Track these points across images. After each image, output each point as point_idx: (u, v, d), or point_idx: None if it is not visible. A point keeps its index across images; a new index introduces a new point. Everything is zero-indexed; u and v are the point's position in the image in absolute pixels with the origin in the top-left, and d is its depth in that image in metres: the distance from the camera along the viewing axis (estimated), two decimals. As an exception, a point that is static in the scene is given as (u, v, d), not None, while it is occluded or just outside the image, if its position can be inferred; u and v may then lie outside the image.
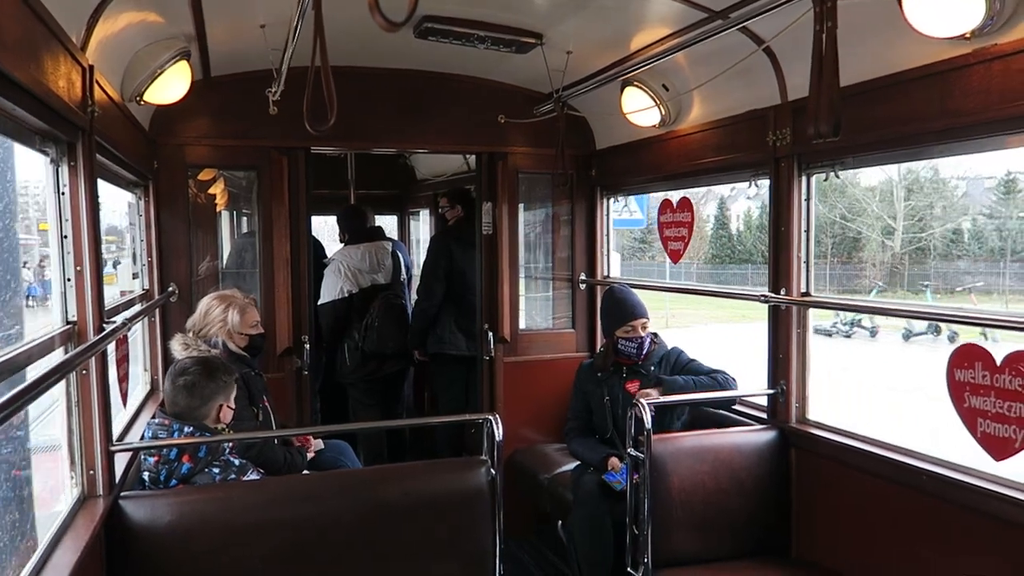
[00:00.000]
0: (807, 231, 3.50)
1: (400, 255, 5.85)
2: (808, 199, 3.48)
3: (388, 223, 7.73)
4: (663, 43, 3.46)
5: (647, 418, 3.26)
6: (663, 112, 4.09)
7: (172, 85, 3.53)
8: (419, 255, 7.63)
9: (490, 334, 4.94)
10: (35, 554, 2.12)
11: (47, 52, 2.16)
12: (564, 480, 4.34)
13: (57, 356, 2.34)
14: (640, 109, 4.15)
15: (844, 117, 2.07)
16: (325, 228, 7.68)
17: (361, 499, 2.91)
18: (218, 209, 5.07)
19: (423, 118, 4.75)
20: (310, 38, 2.00)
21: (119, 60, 3.21)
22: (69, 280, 2.51)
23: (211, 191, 5.06)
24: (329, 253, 6.08)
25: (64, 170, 2.50)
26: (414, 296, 5.86)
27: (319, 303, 5.21)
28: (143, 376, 4.11)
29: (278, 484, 3.09)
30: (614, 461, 3.81)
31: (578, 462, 4.21)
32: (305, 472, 3.65)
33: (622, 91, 4.15)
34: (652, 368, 4.03)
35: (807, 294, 3.51)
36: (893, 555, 2.99)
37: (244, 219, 6.75)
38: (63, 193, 2.51)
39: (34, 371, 2.04)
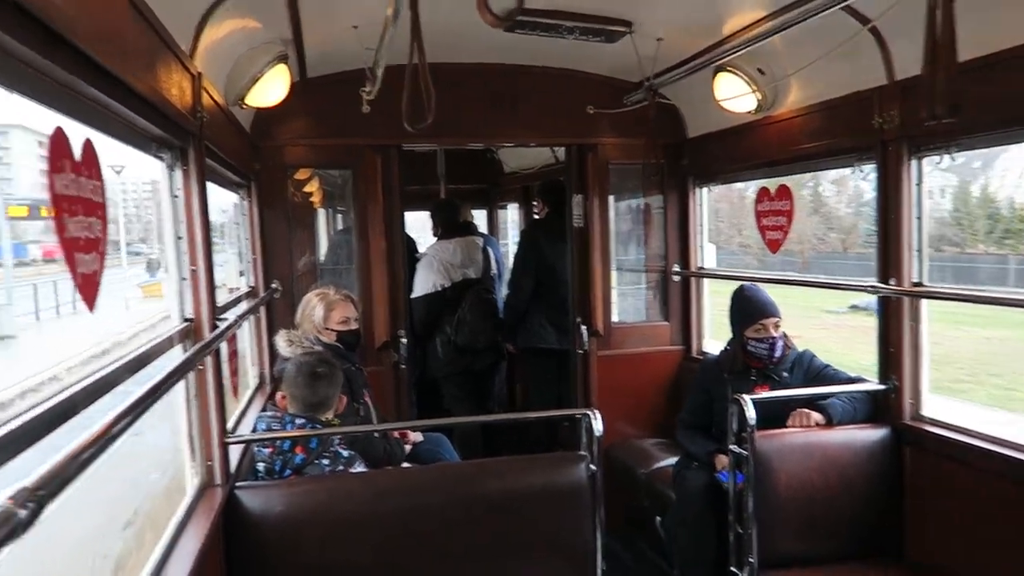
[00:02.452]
0: (919, 218, 3.32)
1: (491, 250, 5.88)
2: (919, 183, 3.30)
3: (477, 217, 7.78)
4: (758, 26, 3.34)
5: (750, 413, 3.16)
6: (759, 97, 3.95)
7: (272, 88, 3.65)
8: (508, 248, 7.67)
9: (583, 328, 4.91)
10: (164, 537, 2.23)
11: (161, 62, 2.26)
12: (663, 476, 4.27)
13: (176, 352, 2.46)
14: (735, 96, 4.02)
15: (961, 96, 1.94)
16: (417, 223, 7.80)
17: (462, 493, 2.94)
18: (315, 207, 5.23)
19: (511, 112, 4.75)
20: (402, 37, 2.02)
21: (222, 66, 3.33)
22: (184, 279, 2.62)
23: (307, 189, 5.21)
24: (421, 248, 6.18)
25: (177, 175, 2.61)
26: (505, 290, 5.89)
27: (411, 297, 5.29)
28: (251, 370, 4.28)
29: (383, 477, 3.16)
30: (722, 459, 3.65)
31: (678, 457, 4.13)
32: (405, 465, 3.72)
33: (715, 77, 4.03)
34: (785, 373, 3.76)
35: (919, 284, 3.33)
36: (1016, 559, 2.80)
37: (339, 216, 6.94)
38: (176, 196, 2.62)
39: (151, 368, 2.14)
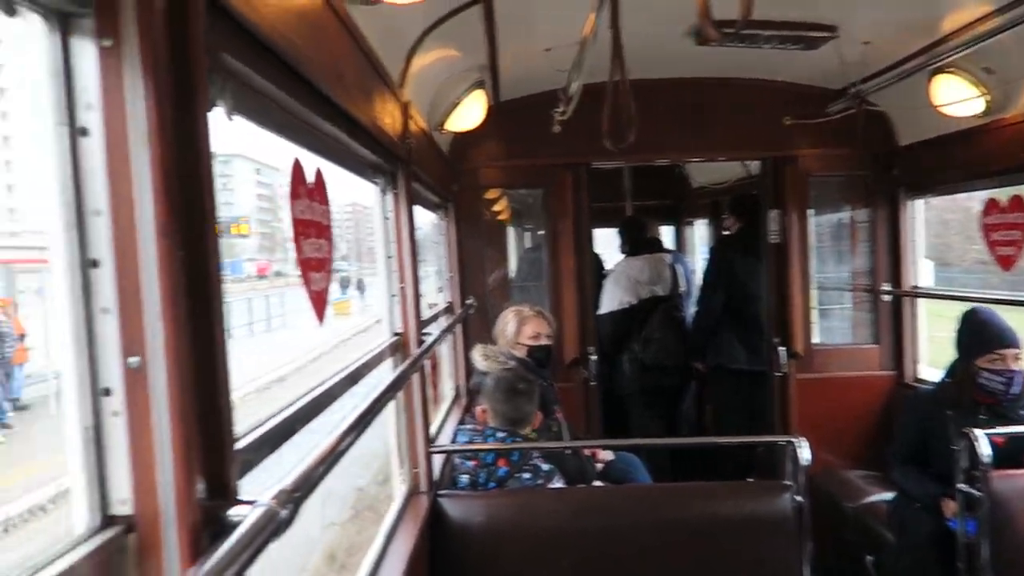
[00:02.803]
0: None
1: (679, 267, 5.76)
2: None
3: (663, 233, 7.67)
4: (984, 23, 3.01)
5: (984, 450, 2.83)
6: (988, 100, 3.56)
7: (470, 113, 3.82)
8: (696, 265, 7.48)
9: (780, 349, 4.66)
10: (378, 538, 2.38)
11: (377, 93, 2.43)
12: (875, 512, 3.93)
13: (387, 366, 2.62)
14: (957, 100, 3.66)
15: None
16: (602, 240, 7.82)
17: (661, 516, 2.88)
18: (505, 225, 5.38)
19: (702, 126, 4.63)
20: (595, 57, 2.02)
21: (425, 93, 3.52)
22: (394, 296, 2.79)
23: (497, 208, 5.38)
24: (608, 266, 6.17)
25: (389, 198, 2.80)
26: (693, 308, 5.74)
27: (597, 313, 5.29)
28: (447, 383, 4.46)
29: (582, 494, 3.17)
30: (951, 505, 3.21)
31: (894, 494, 3.78)
32: (597, 483, 3.70)
33: (931, 80, 3.69)
34: (1023, 412, 3.31)
35: None
36: None
37: (527, 234, 7.10)
38: (387, 218, 2.80)
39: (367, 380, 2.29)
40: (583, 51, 2.88)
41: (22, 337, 14.35)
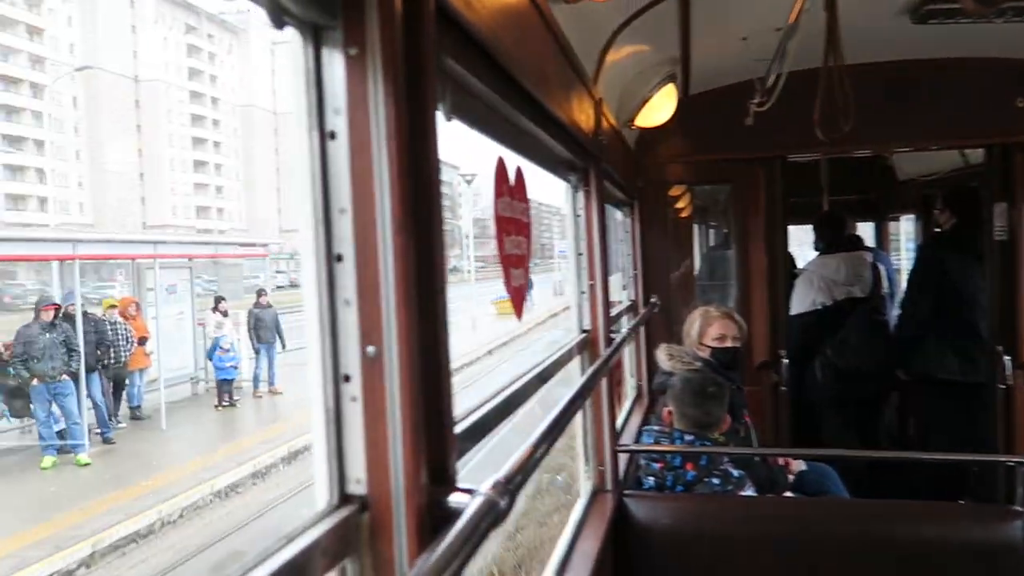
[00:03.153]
0: None
1: (882, 266, 5.33)
2: None
3: (862, 230, 7.13)
4: None
5: None
6: None
7: (660, 108, 3.74)
8: (900, 265, 6.90)
9: (1006, 358, 4.18)
10: (566, 533, 2.40)
11: (574, 90, 2.43)
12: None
13: (575, 364, 2.63)
14: None
15: None
16: (793, 238, 7.40)
17: (858, 532, 2.68)
18: (689, 222, 5.24)
19: (913, 112, 4.24)
20: (800, 43, 1.90)
21: (615, 89, 3.49)
22: (583, 293, 2.79)
23: (680, 205, 5.25)
24: (800, 264, 5.84)
25: (580, 196, 2.80)
26: (897, 311, 5.29)
27: (790, 314, 5.01)
28: (629, 381, 4.42)
29: (775, 504, 3.03)
30: None
31: None
32: (788, 494, 3.52)
33: None
34: None
35: None
36: None
37: (711, 231, 6.88)
38: (579, 216, 2.81)
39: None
40: (788, 37, 2.73)
41: (143, 340, 13.46)
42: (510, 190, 1.88)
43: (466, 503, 1.01)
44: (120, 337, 12.84)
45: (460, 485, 1.09)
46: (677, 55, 3.65)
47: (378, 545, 0.98)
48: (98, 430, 12.09)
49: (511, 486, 1.06)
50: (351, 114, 0.94)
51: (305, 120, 0.94)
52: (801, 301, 5.29)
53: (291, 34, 0.93)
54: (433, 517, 1.01)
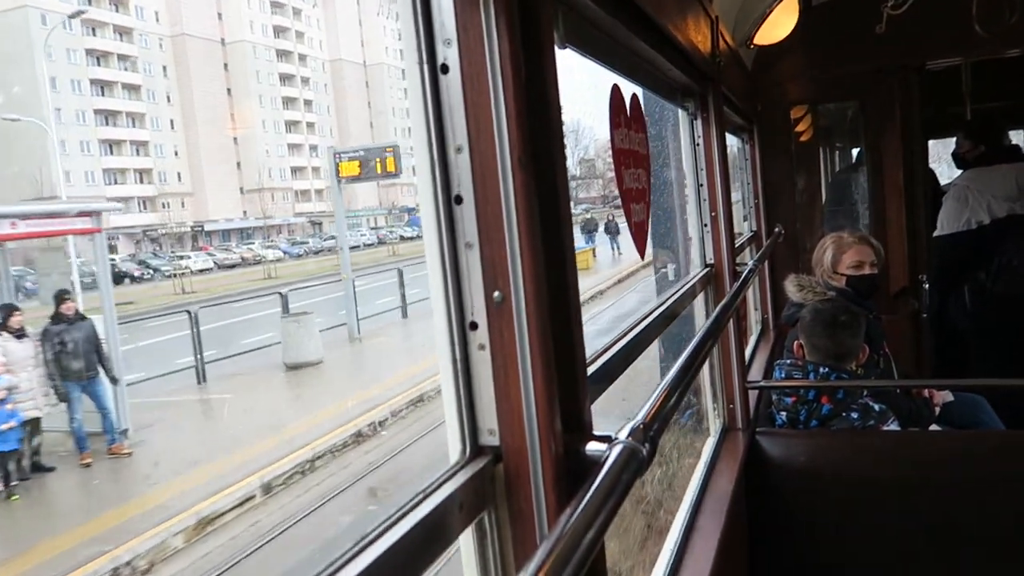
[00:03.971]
0: None
1: None
2: None
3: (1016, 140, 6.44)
4: None
5: None
6: None
7: (780, 23, 3.46)
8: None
9: None
10: (697, 473, 2.33)
11: (690, 10, 2.26)
12: None
13: (699, 300, 2.52)
14: None
15: None
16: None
17: (1020, 468, 2.47)
18: (813, 144, 4.90)
19: None
20: None
21: (732, 6, 3.25)
22: (706, 226, 2.66)
23: (802, 127, 4.91)
24: (943, 182, 5.37)
25: (699, 123, 2.64)
26: None
27: (935, 235, 4.62)
28: (753, 315, 4.24)
29: (921, 439, 2.84)
30: None
31: None
32: (935, 428, 3.29)
33: None
34: None
35: None
36: None
37: (836, 152, 6.44)
38: (698, 144, 2.65)
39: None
40: None
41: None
42: (627, 121, 1.78)
43: (603, 452, 0.96)
44: None
45: (596, 433, 1.04)
46: None
47: (514, 497, 0.95)
48: None
49: (651, 432, 1.00)
50: (463, 44, 0.87)
51: (414, 54, 0.88)
52: (952, 220, 4.83)
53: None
54: (570, 467, 0.97)
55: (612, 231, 32.23)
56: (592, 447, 1.00)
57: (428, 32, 0.88)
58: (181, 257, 53.61)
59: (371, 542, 0.75)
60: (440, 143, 0.90)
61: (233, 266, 52.72)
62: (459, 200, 0.91)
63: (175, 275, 41.59)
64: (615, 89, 1.72)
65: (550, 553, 0.71)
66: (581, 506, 0.79)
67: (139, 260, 53.72)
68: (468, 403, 0.95)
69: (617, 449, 0.93)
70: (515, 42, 0.88)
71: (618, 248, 31.13)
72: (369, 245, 62.22)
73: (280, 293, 16.79)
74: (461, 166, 0.90)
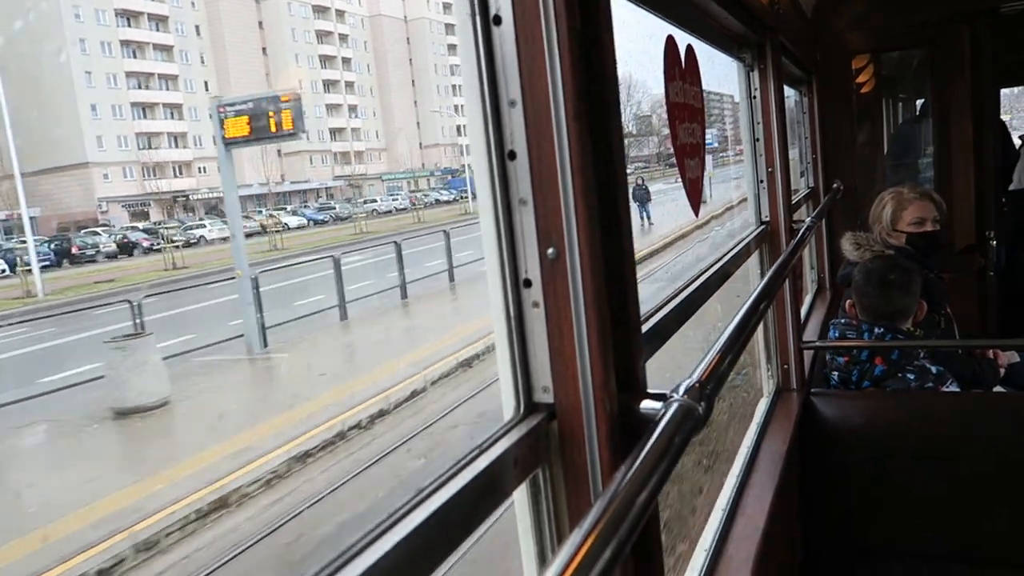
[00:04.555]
0: None
1: None
2: None
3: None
4: None
5: None
6: None
7: (843, -34, 3.32)
8: None
9: None
10: (750, 433, 2.31)
11: None
12: None
13: (754, 259, 2.46)
14: None
15: None
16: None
17: None
18: (874, 96, 4.72)
19: None
20: None
21: None
22: (762, 182, 2.59)
23: (863, 77, 4.72)
24: (1015, 135, 5.14)
25: (755, 75, 2.55)
26: None
27: (1010, 189, 4.43)
28: (808, 274, 4.15)
29: (985, 400, 2.75)
30: None
31: None
32: (1000, 389, 3.19)
33: None
34: None
35: None
36: None
37: (899, 104, 6.20)
38: (754, 97, 2.57)
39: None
40: None
41: None
42: (681, 73, 1.73)
43: (659, 409, 0.95)
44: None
45: (650, 391, 1.03)
46: None
47: (569, 454, 0.95)
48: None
49: (706, 391, 0.98)
50: None
51: (466, 5, 0.86)
52: None
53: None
54: (625, 425, 0.96)
55: (640, 198, 27.17)
56: (646, 405, 0.99)
57: None
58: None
59: (431, 494, 0.76)
60: (493, 97, 0.89)
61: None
62: (512, 156, 0.90)
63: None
64: (669, 40, 1.67)
65: (604, 511, 0.71)
66: (636, 464, 0.79)
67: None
68: (523, 361, 0.95)
69: (673, 407, 0.92)
70: None
71: (648, 217, 27.52)
72: (402, 210, 60.04)
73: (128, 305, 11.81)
74: (515, 121, 0.88)
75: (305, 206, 66.90)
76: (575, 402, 0.93)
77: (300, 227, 51.59)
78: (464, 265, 18.56)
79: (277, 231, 43.48)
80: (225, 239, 41.23)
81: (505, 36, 0.86)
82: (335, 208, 63.25)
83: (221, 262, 28.15)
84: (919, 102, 5.43)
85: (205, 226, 49.29)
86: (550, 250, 0.90)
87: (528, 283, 0.92)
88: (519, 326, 0.94)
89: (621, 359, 0.97)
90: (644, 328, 1.25)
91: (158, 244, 42.02)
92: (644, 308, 1.20)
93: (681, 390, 0.96)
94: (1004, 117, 5.68)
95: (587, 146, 0.89)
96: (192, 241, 44.47)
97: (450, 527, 0.76)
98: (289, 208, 63.52)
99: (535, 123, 0.87)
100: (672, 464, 0.83)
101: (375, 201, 66.62)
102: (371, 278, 17.50)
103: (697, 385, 0.98)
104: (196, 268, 29.88)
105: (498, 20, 0.86)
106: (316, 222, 56.43)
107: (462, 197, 64.39)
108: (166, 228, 48.08)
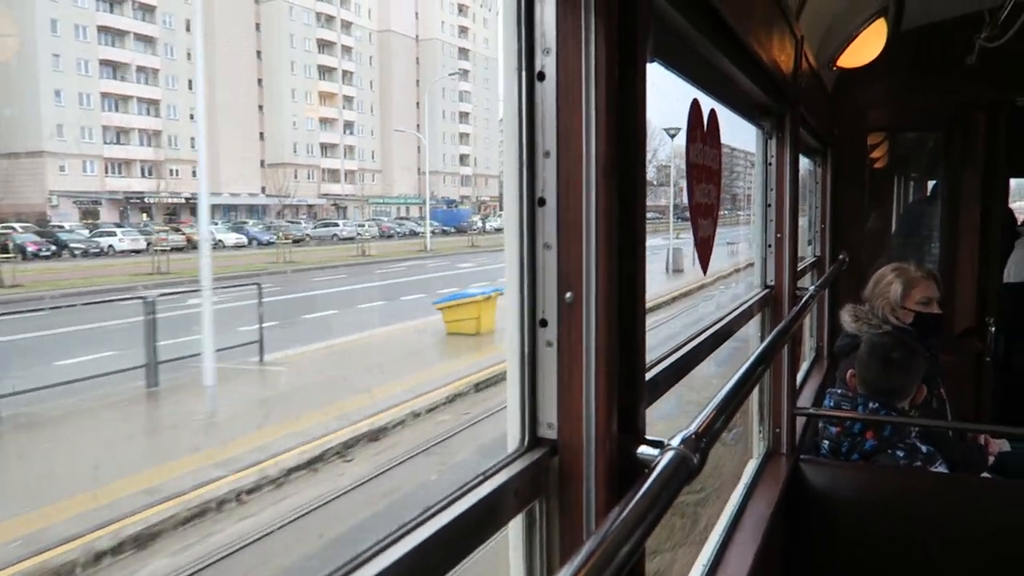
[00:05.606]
0: None
1: None
2: None
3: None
4: None
5: None
6: None
7: (867, 46, 3.41)
8: None
9: None
10: (736, 494, 2.33)
11: (776, 27, 2.26)
12: None
13: (755, 322, 2.51)
14: None
15: None
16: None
17: None
18: (886, 173, 4.81)
19: None
20: None
21: (818, 26, 3.21)
22: (770, 247, 2.64)
23: (876, 154, 4.82)
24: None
25: (773, 142, 2.62)
26: None
27: (1004, 282, 4.50)
28: (808, 341, 4.19)
29: (971, 484, 2.77)
30: None
31: None
32: (986, 475, 3.21)
33: None
34: None
35: None
36: None
37: (911, 183, 6.30)
38: (770, 164, 2.64)
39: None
40: None
41: None
42: (703, 136, 1.80)
43: (655, 455, 0.99)
44: None
45: (648, 437, 1.08)
46: None
47: (567, 490, 0.98)
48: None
49: (702, 443, 1.02)
50: (561, 53, 0.91)
51: (514, 61, 0.93)
52: (1022, 268, 4.71)
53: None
54: (622, 468, 1.00)
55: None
56: (644, 450, 1.03)
57: (529, 41, 0.92)
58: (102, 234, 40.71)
59: (433, 515, 0.80)
60: (530, 147, 0.94)
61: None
62: (542, 202, 0.95)
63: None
64: (694, 103, 1.74)
65: (596, 549, 0.75)
66: (630, 506, 0.83)
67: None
68: (531, 396, 0.99)
69: (669, 455, 0.96)
70: (612, 53, 0.92)
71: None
72: (349, 238, 48.87)
73: None
74: (548, 170, 0.94)
75: (244, 222, 57.86)
76: (577, 440, 0.97)
77: (238, 246, 44.08)
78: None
79: (178, 248, 35.85)
80: (138, 251, 36.31)
81: (547, 91, 0.92)
82: (287, 228, 52.94)
83: (70, 282, 23.52)
84: (931, 183, 5.53)
85: (116, 234, 41.31)
86: (568, 294, 0.95)
87: (544, 323, 0.97)
88: (531, 362, 0.98)
89: (625, 403, 1.02)
90: (647, 376, 1.30)
91: (46, 250, 35.41)
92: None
93: (677, 440, 1.00)
94: (1016, 204, 5.77)
95: (613, 199, 0.94)
96: (92, 251, 37.51)
97: (449, 547, 0.80)
98: (224, 224, 53.83)
99: (566, 173, 0.93)
100: (664, 509, 0.87)
101: (336, 225, 57.32)
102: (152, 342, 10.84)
103: (693, 437, 1.02)
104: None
105: (542, 76, 0.92)
106: (261, 242, 46.94)
107: (445, 231, 59.39)
108: (68, 233, 41.01)
